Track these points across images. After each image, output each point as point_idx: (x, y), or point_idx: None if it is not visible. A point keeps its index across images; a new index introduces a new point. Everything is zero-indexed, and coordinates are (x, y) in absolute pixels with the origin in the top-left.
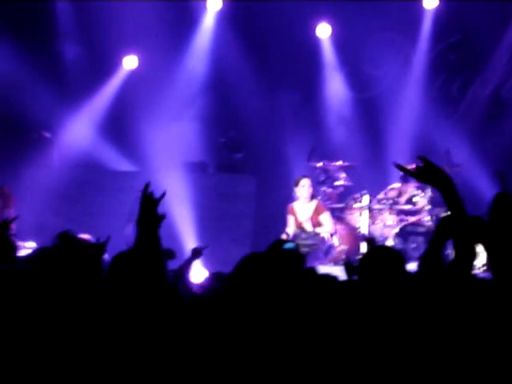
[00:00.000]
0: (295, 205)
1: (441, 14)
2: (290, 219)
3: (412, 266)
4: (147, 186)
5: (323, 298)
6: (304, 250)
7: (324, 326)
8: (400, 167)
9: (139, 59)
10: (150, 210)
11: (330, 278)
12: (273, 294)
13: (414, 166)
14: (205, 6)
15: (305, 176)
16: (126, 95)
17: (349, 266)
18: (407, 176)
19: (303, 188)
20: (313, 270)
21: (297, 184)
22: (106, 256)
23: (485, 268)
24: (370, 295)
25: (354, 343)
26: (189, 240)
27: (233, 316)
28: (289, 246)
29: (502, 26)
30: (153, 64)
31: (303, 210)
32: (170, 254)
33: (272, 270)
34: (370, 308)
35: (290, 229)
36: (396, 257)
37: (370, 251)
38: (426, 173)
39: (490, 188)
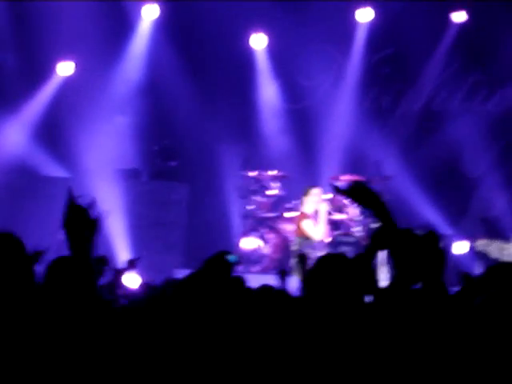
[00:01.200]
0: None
1: (374, 28)
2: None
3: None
4: (70, 192)
5: (258, 309)
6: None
7: (256, 337)
8: (336, 188)
9: (75, 65)
10: (77, 216)
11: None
12: (202, 304)
13: (347, 176)
14: (141, 14)
15: (315, 185)
16: (60, 101)
17: (284, 273)
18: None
19: (316, 197)
20: (240, 280)
21: (307, 193)
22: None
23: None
24: (314, 307)
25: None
26: (121, 247)
27: (163, 327)
28: (232, 258)
29: (434, 41)
30: (88, 70)
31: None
32: (103, 260)
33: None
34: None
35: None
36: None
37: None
38: (357, 194)
39: (420, 200)
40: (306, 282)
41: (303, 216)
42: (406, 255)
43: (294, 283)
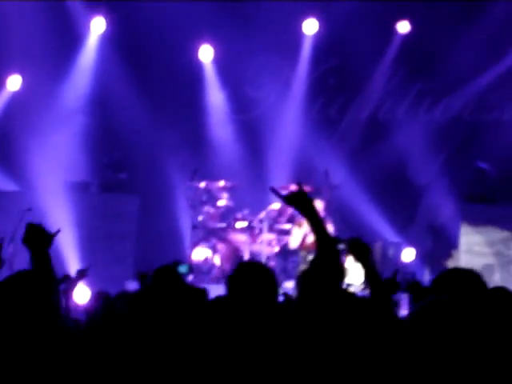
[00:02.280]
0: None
1: (320, 39)
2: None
3: (290, 285)
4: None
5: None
6: None
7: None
8: (273, 190)
9: (23, 79)
10: (36, 233)
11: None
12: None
13: (292, 186)
14: (89, 27)
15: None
16: (9, 115)
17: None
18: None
19: None
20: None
21: None
22: None
23: (363, 286)
24: (243, 314)
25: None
26: (71, 260)
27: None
28: (182, 268)
29: (379, 51)
30: (36, 84)
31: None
32: (83, 272)
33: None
34: (238, 329)
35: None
36: (267, 275)
37: (239, 268)
38: (294, 199)
39: (368, 208)
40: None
41: (298, 223)
42: (332, 260)
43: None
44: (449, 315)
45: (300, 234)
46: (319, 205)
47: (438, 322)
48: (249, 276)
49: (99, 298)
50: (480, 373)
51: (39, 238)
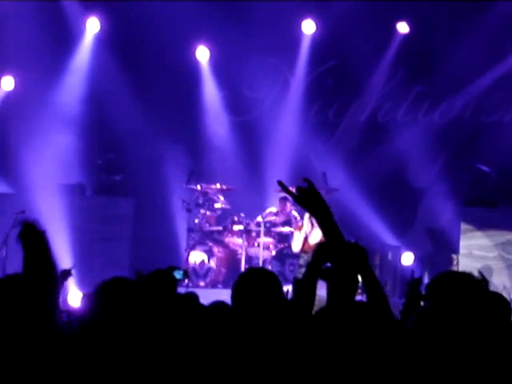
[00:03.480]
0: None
1: (318, 40)
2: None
3: (287, 289)
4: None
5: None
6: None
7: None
8: (282, 185)
9: (16, 80)
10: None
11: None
12: (145, 319)
13: (293, 188)
14: (83, 28)
15: None
16: (2, 117)
17: None
18: (286, 199)
19: None
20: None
21: None
22: None
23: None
24: (245, 321)
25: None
26: (66, 263)
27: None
28: (178, 273)
29: (378, 52)
30: (30, 85)
31: (314, 234)
32: (67, 273)
33: (143, 296)
34: (247, 335)
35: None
36: (272, 280)
37: (246, 273)
38: (306, 196)
39: (366, 211)
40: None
41: (297, 227)
42: (349, 268)
43: None
44: (440, 322)
45: (301, 237)
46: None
47: (431, 330)
48: (254, 283)
49: (88, 299)
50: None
51: (33, 236)
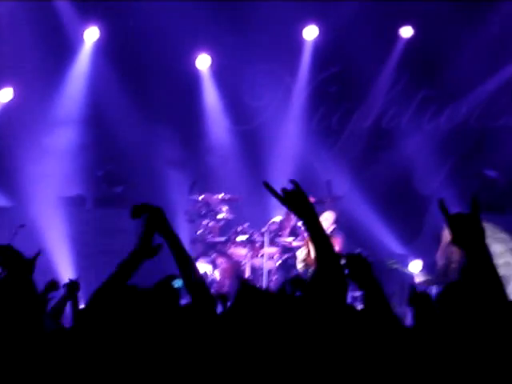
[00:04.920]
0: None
1: (320, 45)
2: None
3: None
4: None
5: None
6: None
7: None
8: (267, 186)
9: (14, 91)
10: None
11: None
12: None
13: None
14: (82, 37)
15: (327, 209)
16: (0, 128)
17: (224, 299)
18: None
19: (325, 222)
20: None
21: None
22: None
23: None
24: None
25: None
26: (67, 277)
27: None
28: (178, 283)
29: (381, 57)
30: (29, 95)
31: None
32: (54, 285)
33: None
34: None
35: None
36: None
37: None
38: (291, 197)
39: (372, 219)
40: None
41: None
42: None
43: None
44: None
45: (303, 254)
46: (331, 216)
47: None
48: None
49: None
50: None
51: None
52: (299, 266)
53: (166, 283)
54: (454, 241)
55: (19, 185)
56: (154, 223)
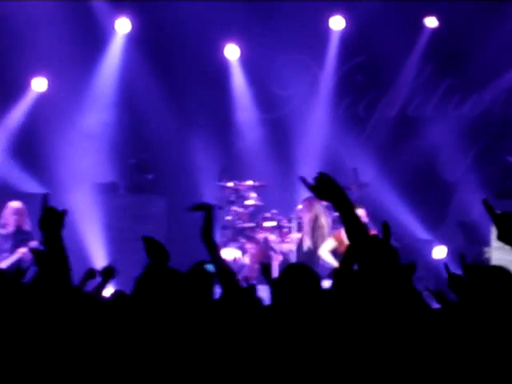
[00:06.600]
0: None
1: (347, 35)
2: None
3: (326, 284)
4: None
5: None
6: None
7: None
8: (304, 181)
9: (48, 81)
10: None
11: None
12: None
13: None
14: (114, 28)
15: (358, 204)
16: (35, 117)
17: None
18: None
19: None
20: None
21: None
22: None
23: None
24: (288, 314)
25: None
26: (99, 262)
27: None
28: (210, 267)
29: (407, 46)
30: (62, 86)
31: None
32: (92, 273)
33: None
34: (289, 327)
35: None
36: (311, 275)
37: (286, 270)
38: (325, 189)
39: (398, 206)
40: (274, 292)
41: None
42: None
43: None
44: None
45: (331, 245)
46: (361, 212)
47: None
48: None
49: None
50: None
51: (53, 220)
52: (323, 254)
53: (199, 268)
54: (500, 238)
55: (54, 172)
56: (211, 217)
